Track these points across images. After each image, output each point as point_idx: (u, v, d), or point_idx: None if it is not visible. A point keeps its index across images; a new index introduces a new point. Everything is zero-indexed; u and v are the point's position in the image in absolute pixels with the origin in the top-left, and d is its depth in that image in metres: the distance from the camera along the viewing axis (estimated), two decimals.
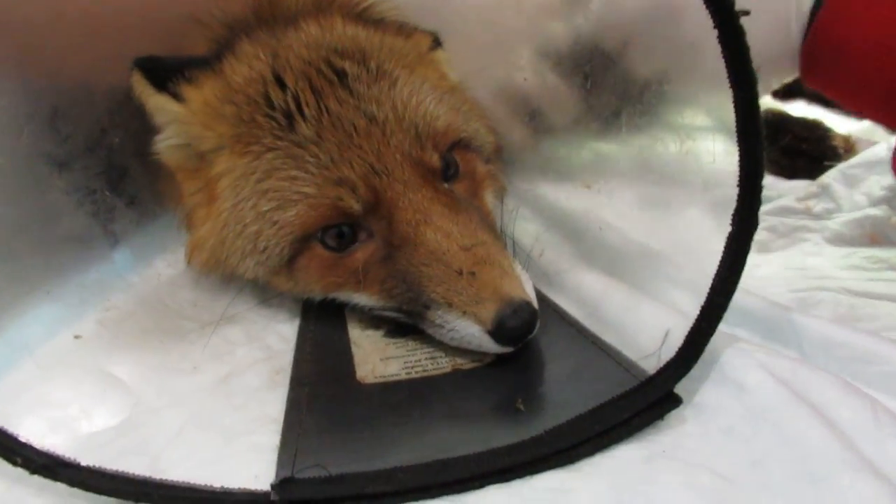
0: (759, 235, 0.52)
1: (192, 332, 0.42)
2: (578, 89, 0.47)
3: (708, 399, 0.36)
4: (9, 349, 0.38)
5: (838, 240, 0.52)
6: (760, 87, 0.33)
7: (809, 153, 0.59)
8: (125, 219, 0.48)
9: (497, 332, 0.36)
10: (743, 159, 0.35)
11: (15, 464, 0.31)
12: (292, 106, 0.41)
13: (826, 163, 0.56)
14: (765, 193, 0.58)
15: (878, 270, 0.48)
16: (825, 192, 0.55)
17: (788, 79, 0.49)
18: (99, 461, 0.31)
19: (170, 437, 0.35)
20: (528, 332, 0.37)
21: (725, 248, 0.35)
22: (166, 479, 0.31)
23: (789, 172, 0.61)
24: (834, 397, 0.36)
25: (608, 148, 0.49)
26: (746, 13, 0.32)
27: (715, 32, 0.32)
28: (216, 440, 0.35)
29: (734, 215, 0.35)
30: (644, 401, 0.35)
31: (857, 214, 0.52)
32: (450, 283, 0.37)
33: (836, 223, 0.53)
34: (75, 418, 0.34)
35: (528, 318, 0.37)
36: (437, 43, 0.49)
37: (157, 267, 0.50)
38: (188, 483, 0.32)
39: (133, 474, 0.31)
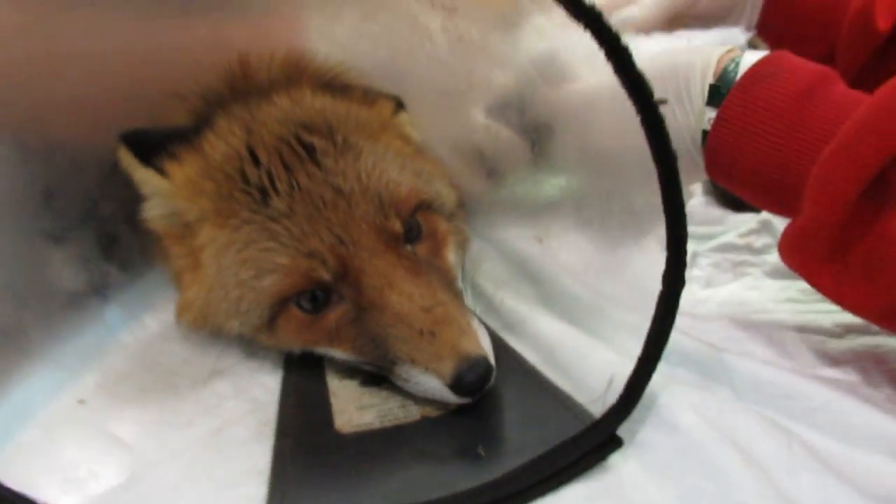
0: (704, 272, 0.58)
1: (184, 387, 0.46)
2: (527, 150, 0.51)
3: (645, 439, 0.40)
4: (15, 414, 0.42)
5: (776, 273, 0.56)
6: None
7: None
8: (117, 281, 0.52)
9: (456, 386, 0.41)
10: (669, 230, 0.39)
11: None
12: (266, 182, 0.45)
13: None
14: (710, 230, 0.63)
15: (811, 303, 0.53)
16: (765, 227, 0.59)
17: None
18: None
19: (169, 490, 0.39)
20: (484, 385, 0.41)
21: (657, 305, 0.40)
22: None
23: (735, 206, 0.65)
24: (756, 434, 0.40)
25: (558, 196, 0.53)
26: (664, 101, 0.37)
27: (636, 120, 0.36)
28: (210, 493, 0.39)
29: (663, 277, 0.40)
30: (590, 444, 0.39)
31: None
32: (413, 342, 0.42)
33: (774, 258, 0.57)
34: (85, 479, 0.38)
35: (484, 372, 0.41)
36: (400, 106, 0.53)
37: (147, 324, 0.53)
38: None
39: None
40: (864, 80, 0.60)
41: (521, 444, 0.41)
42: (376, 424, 0.43)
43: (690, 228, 0.58)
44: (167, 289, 0.54)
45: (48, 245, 0.47)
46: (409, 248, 0.47)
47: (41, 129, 0.46)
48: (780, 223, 0.59)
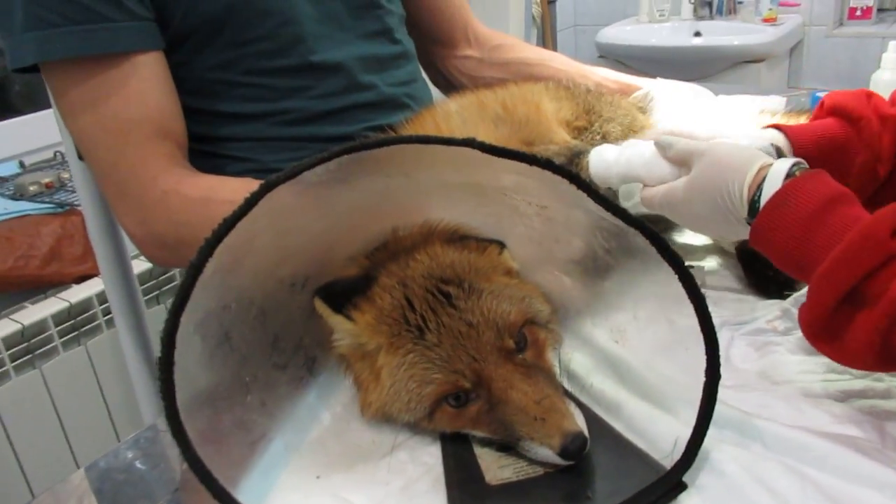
0: (741, 351, 0.76)
1: (376, 457, 0.66)
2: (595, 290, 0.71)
3: (702, 483, 0.57)
4: (268, 489, 0.63)
5: (797, 351, 0.73)
6: None
7: (776, 279, 0.82)
8: (316, 384, 0.73)
9: (563, 454, 0.59)
10: (707, 347, 0.57)
11: None
12: (421, 322, 0.64)
13: (785, 292, 0.79)
14: (744, 318, 0.81)
15: (821, 373, 0.70)
16: (786, 314, 0.77)
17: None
18: None
19: None
20: (582, 451, 0.59)
21: (703, 390, 0.58)
22: None
23: (764, 293, 0.83)
24: (779, 476, 0.56)
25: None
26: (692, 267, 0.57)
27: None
28: None
29: (705, 371, 0.58)
30: (664, 488, 0.57)
31: None
32: (530, 425, 0.60)
33: (794, 338, 0.74)
34: None
35: (581, 443, 0.59)
36: (503, 246, 0.72)
37: (335, 408, 0.74)
38: None
39: None
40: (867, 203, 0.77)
41: (614, 489, 0.58)
42: (514, 478, 0.62)
43: (730, 316, 0.77)
44: (343, 382, 0.75)
45: (279, 373, 0.68)
46: (520, 356, 0.65)
47: (270, 293, 0.66)
48: (796, 311, 0.77)
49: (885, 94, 1.32)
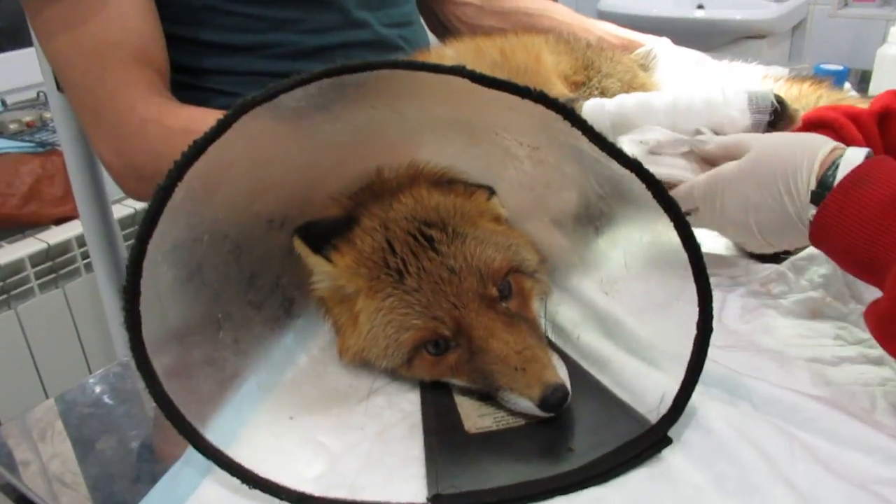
0: (734, 312, 0.74)
1: (353, 401, 0.64)
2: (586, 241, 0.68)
3: (687, 439, 0.56)
4: (239, 422, 0.60)
5: (789, 314, 0.71)
6: None
7: None
8: (294, 327, 0.71)
9: (543, 405, 0.57)
10: (700, 300, 0.55)
11: (281, 498, 0.53)
12: (402, 266, 0.61)
13: (782, 255, 0.77)
14: (740, 278, 0.79)
15: (814, 338, 0.68)
16: (781, 277, 0.75)
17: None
18: (321, 494, 0.53)
19: (356, 471, 0.57)
20: (563, 403, 0.57)
21: (693, 344, 0.56)
22: (364, 500, 0.54)
23: (759, 256, 0.81)
24: (767, 436, 0.55)
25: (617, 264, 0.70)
26: (689, 213, 0.53)
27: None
28: (384, 472, 0.56)
29: (697, 324, 0.56)
30: (648, 441, 0.55)
31: (802, 296, 0.71)
32: (510, 375, 0.58)
33: (787, 301, 0.72)
34: (302, 470, 0.55)
35: (562, 395, 0.57)
36: (492, 192, 0.69)
37: (311, 351, 0.72)
38: (377, 501, 0.54)
39: (347, 499, 0.54)
40: None
41: (597, 442, 0.57)
42: (493, 427, 0.60)
43: (724, 277, 0.75)
44: (322, 326, 0.72)
45: (253, 311, 0.65)
46: (503, 304, 0.63)
47: (246, 228, 0.63)
48: (791, 275, 0.74)
49: (891, 69, 1.30)
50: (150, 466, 0.62)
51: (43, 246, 1.70)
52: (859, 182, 0.54)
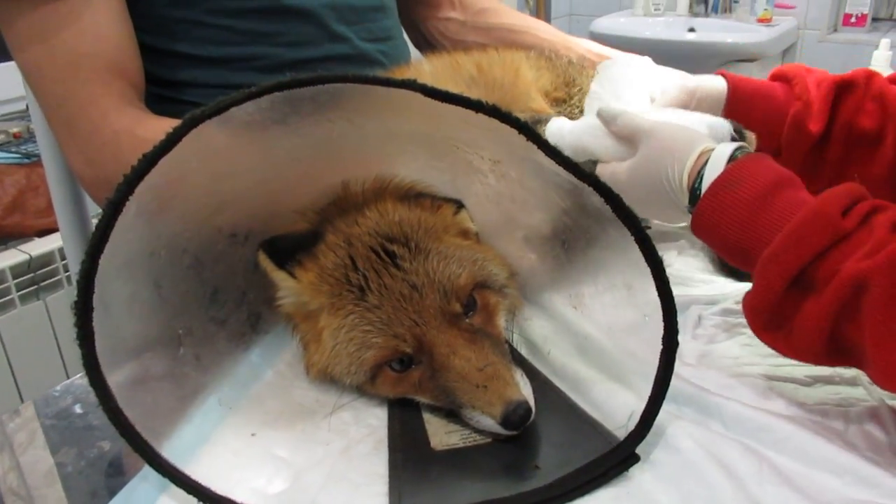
0: (708, 331, 0.73)
1: (319, 417, 0.63)
2: (557, 249, 0.67)
3: (656, 457, 0.55)
4: (199, 439, 0.59)
5: None
6: None
7: None
8: (261, 343, 0.69)
9: (504, 423, 0.56)
10: (665, 313, 0.54)
11: None
12: (363, 283, 0.60)
13: None
14: (714, 295, 0.78)
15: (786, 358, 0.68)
16: None
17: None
18: None
19: (318, 488, 0.55)
20: (525, 421, 0.56)
21: (660, 359, 0.55)
22: None
23: (735, 275, 0.80)
24: (736, 456, 0.54)
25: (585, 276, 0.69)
26: (650, 227, 0.53)
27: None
28: (347, 489, 0.55)
29: (663, 338, 0.55)
30: (616, 459, 0.54)
31: None
32: (472, 393, 0.57)
33: None
34: (264, 486, 0.54)
35: (524, 412, 0.56)
36: (460, 206, 0.68)
37: (278, 367, 0.71)
38: None
39: None
40: (807, 171, 0.78)
41: (564, 459, 0.55)
42: (460, 444, 0.59)
43: (698, 295, 0.74)
44: (290, 341, 0.71)
45: (217, 327, 0.64)
46: (467, 321, 0.61)
47: (207, 243, 0.61)
48: None
49: None
50: (110, 481, 0.61)
51: (25, 257, 1.69)
52: (725, 187, 0.57)
